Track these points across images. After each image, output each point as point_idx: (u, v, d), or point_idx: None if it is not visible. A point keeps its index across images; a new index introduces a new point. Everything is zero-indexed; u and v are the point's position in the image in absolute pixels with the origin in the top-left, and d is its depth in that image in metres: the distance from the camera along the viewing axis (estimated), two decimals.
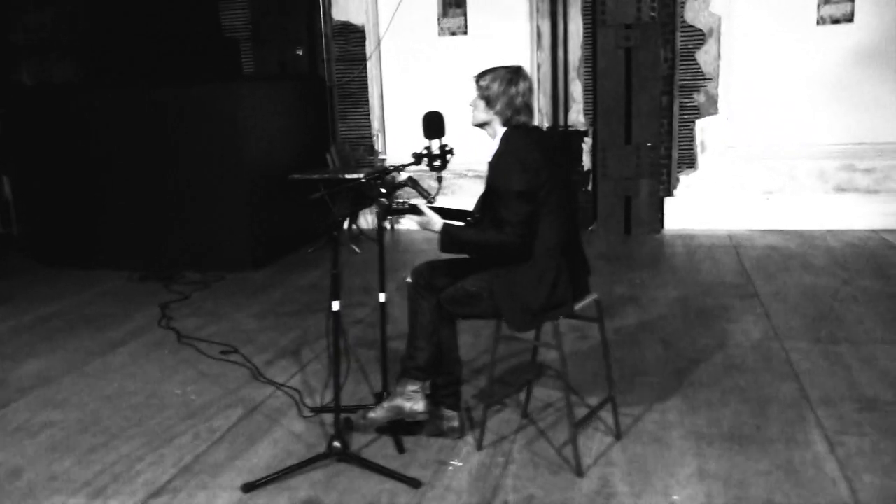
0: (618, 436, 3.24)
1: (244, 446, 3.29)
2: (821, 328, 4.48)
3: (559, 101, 7.35)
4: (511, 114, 3.00)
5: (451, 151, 3.21)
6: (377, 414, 3.18)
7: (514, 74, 3.01)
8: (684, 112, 7.20)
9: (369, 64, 7.71)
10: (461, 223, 3.04)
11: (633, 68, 6.96)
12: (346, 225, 2.76)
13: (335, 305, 2.97)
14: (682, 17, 7.01)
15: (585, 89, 7.29)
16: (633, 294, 5.32)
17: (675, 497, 2.78)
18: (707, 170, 7.26)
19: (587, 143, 7.37)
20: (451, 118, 6.93)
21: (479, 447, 3.19)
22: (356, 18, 7.65)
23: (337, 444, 3.05)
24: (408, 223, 2.96)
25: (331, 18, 7.68)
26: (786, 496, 2.76)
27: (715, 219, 7.22)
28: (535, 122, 3.14)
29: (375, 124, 7.83)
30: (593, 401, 3.58)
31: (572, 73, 7.32)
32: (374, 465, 3.01)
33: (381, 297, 3.39)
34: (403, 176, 3.17)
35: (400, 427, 3.28)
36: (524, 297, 2.90)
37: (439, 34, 7.62)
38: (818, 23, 6.92)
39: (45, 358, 4.47)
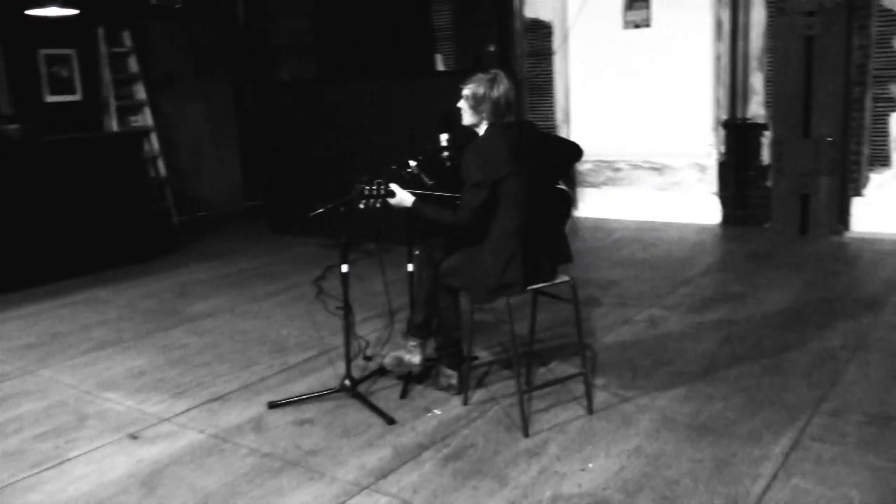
0: (589, 410, 3.49)
1: (296, 378, 4.10)
2: None
3: (738, 92, 7.14)
4: (493, 114, 3.33)
5: (449, 147, 3.66)
6: (385, 361, 3.80)
7: (493, 79, 3.32)
8: (879, 104, 6.60)
9: (556, 58, 8.11)
10: (431, 203, 3.49)
11: (814, 58, 6.55)
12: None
13: (344, 268, 3.64)
14: (879, 1, 6.43)
15: (767, 80, 7.00)
16: (744, 292, 5.21)
17: (590, 465, 3.03)
18: None
19: (766, 137, 7.07)
20: (632, 109, 7.44)
21: (465, 402, 3.65)
22: (545, 15, 8.08)
23: (347, 382, 3.72)
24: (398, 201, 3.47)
25: (522, 16, 8.20)
26: (693, 481, 2.88)
27: None
28: (513, 118, 3.42)
29: (559, 115, 8.22)
30: (614, 383, 3.81)
31: (753, 63, 7.06)
32: (367, 401, 3.64)
33: (409, 268, 3.97)
34: (412, 164, 3.69)
35: (412, 378, 3.86)
36: (482, 274, 3.32)
37: (623, 27, 7.76)
38: None
39: (218, 299, 5.70)
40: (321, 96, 7.77)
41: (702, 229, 7.26)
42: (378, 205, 3.46)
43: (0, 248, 6.02)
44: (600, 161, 8.04)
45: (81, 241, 6.55)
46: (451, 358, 3.75)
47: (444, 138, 3.73)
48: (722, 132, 7.30)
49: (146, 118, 8.74)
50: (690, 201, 7.56)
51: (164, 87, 9.02)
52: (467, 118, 3.42)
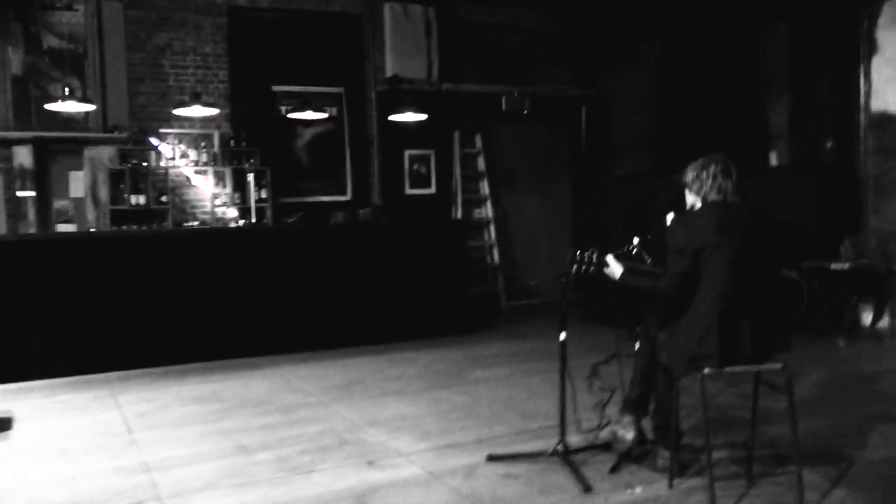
0: None
1: (528, 440, 4.30)
2: None
3: None
4: (704, 193, 3.41)
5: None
6: (602, 434, 3.84)
7: (705, 162, 3.44)
8: None
9: None
10: (639, 273, 3.53)
11: None
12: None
13: (562, 336, 3.82)
14: None
15: None
16: None
17: None
18: None
19: None
20: None
21: (671, 486, 3.52)
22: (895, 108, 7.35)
23: (560, 447, 3.84)
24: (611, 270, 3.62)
25: (868, 109, 7.54)
26: None
27: None
28: (730, 198, 3.37)
29: None
30: (850, 500, 3.38)
31: None
32: (573, 467, 3.71)
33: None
34: (636, 241, 3.79)
35: (630, 455, 3.83)
36: (680, 345, 3.26)
37: None
38: None
39: (499, 370, 6.16)
40: (649, 189, 7.97)
41: None
42: (591, 271, 3.64)
43: (343, 310, 7.22)
44: None
45: (411, 311, 7.53)
46: (664, 439, 3.65)
47: (669, 218, 3.76)
48: None
49: (487, 211, 9.78)
50: None
51: (505, 182, 10.03)
52: (688, 199, 3.53)
